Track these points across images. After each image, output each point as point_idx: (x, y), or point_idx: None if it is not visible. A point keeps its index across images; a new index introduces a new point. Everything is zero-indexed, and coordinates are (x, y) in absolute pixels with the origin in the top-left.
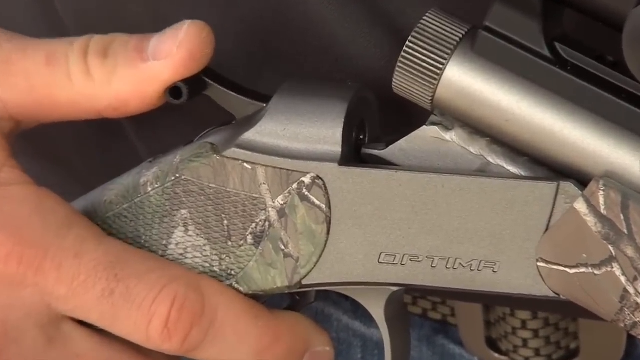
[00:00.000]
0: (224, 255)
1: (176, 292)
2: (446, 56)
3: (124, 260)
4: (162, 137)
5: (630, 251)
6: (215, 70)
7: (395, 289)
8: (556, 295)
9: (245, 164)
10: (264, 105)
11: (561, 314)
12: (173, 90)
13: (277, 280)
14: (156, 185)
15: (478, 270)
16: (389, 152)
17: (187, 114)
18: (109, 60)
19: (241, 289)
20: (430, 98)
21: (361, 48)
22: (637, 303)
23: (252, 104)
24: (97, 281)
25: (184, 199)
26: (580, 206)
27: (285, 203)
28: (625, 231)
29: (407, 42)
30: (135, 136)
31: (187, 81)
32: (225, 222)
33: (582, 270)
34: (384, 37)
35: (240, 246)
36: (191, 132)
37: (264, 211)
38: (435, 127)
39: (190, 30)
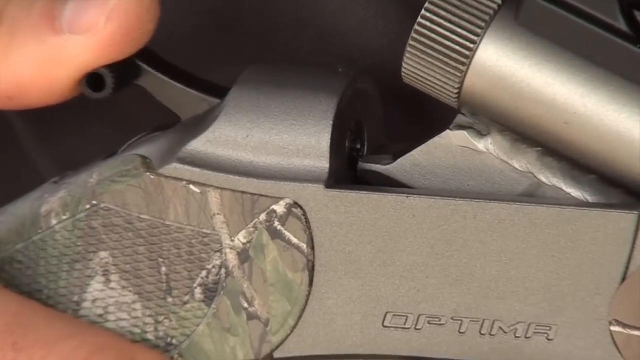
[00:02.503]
0: (162, 317)
1: None
2: (479, 30)
3: (27, 321)
4: (70, 145)
5: None
6: (153, 51)
7: None
8: None
9: (191, 186)
10: (219, 101)
11: None
12: (92, 79)
13: (237, 351)
14: (64, 217)
15: (526, 337)
16: (397, 168)
17: (107, 112)
18: (3, 28)
19: None
20: (456, 90)
21: (355, 20)
22: None
23: (204, 99)
24: None
25: (103, 236)
26: None
27: (248, 242)
28: None
29: (423, 11)
30: (33, 144)
31: (112, 66)
32: (163, 269)
33: None
34: (388, 4)
35: (185, 303)
36: (113, 138)
37: (218, 253)
38: (464, 132)
39: None
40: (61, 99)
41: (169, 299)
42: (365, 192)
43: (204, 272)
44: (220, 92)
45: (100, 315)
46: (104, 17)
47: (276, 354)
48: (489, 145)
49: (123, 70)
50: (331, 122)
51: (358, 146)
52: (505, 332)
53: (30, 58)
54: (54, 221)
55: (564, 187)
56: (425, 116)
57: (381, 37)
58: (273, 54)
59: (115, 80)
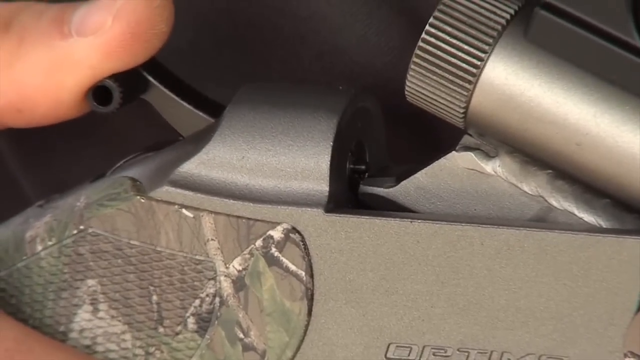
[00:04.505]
0: (153, 348)
1: None
2: (486, 47)
3: (27, 348)
4: (57, 166)
5: None
6: (162, 64)
7: None
8: None
9: (184, 210)
10: (213, 120)
11: None
12: (99, 92)
13: None
14: (50, 243)
15: None
16: (400, 191)
17: (96, 132)
18: (12, 35)
19: None
20: (462, 110)
21: (357, 37)
22: None
23: (207, 121)
24: None
25: (91, 263)
26: None
27: (244, 269)
28: None
29: (428, 26)
30: (18, 164)
31: (120, 78)
32: (155, 297)
33: None
34: (391, 20)
35: (178, 334)
36: (102, 159)
37: (212, 281)
38: (471, 154)
39: None
40: (69, 112)
41: (161, 330)
42: (367, 216)
43: (197, 301)
44: (214, 110)
45: (88, 347)
46: (111, 16)
47: None
48: (497, 168)
49: (130, 83)
50: (331, 143)
51: (360, 168)
52: None
53: (37, 64)
54: (39, 247)
55: (576, 212)
56: (430, 138)
57: (383, 54)
58: (271, 72)
59: (122, 94)
